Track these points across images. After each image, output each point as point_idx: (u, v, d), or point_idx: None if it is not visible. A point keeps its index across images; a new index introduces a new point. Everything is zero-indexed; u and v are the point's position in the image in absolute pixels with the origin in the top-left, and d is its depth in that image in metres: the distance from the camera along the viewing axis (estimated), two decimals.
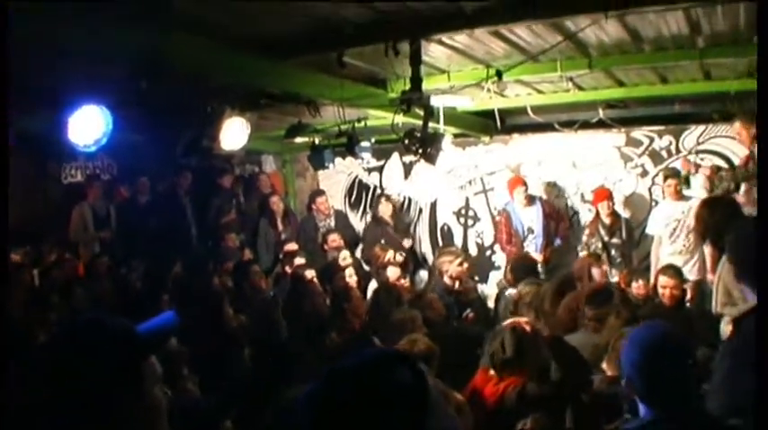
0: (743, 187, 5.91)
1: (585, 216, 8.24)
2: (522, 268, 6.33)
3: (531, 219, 7.95)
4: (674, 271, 5.49)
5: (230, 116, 5.32)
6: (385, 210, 8.69)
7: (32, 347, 3.72)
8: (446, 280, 6.51)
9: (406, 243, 8.54)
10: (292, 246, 7.95)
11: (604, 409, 3.12)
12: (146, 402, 1.57)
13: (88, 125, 4.09)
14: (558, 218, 8.10)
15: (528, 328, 3.80)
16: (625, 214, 7.81)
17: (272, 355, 4.52)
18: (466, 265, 6.66)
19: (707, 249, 4.02)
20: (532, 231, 7.92)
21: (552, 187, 8.53)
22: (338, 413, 1.36)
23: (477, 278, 8.16)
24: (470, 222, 9.20)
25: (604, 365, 3.52)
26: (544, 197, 8.29)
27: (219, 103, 5.22)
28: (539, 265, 7.39)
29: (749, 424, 2.01)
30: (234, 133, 5.46)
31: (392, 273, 6.71)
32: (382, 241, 8.10)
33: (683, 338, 2.09)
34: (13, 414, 1.88)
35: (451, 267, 6.51)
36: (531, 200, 7.97)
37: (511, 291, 6.06)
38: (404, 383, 1.36)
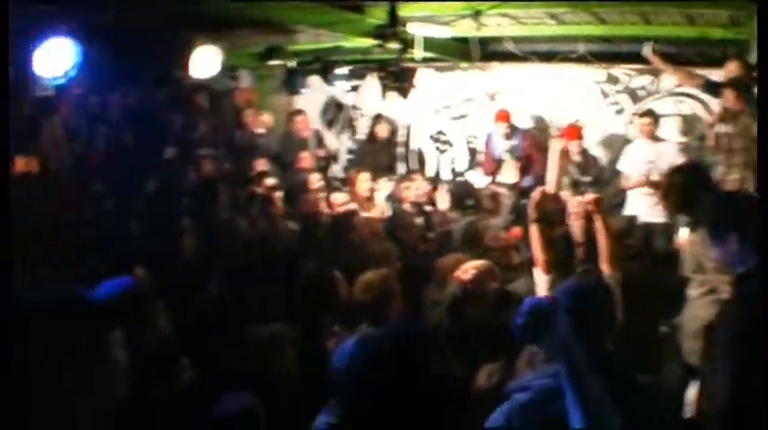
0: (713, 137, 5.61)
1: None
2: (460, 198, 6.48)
3: (506, 152, 7.85)
4: None
5: (201, 44, 5.25)
6: (382, 130, 8.77)
7: None
8: (407, 206, 6.52)
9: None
10: (263, 165, 7.87)
11: None
12: (107, 366, 1.62)
13: (56, 57, 4.03)
14: (536, 156, 7.64)
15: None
16: (599, 152, 7.72)
17: (237, 290, 4.41)
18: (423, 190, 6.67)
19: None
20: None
21: (539, 121, 8.39)
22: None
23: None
24: (445, 147, 9.19)
25: None
26: (528, 129, 8.08)
27: (190, 30, 5.13)
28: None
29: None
30: (205, 61, 5.40)
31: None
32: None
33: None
34: None
35: (410, 193, 6.58)
36: (511, 133, 7.79)
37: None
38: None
